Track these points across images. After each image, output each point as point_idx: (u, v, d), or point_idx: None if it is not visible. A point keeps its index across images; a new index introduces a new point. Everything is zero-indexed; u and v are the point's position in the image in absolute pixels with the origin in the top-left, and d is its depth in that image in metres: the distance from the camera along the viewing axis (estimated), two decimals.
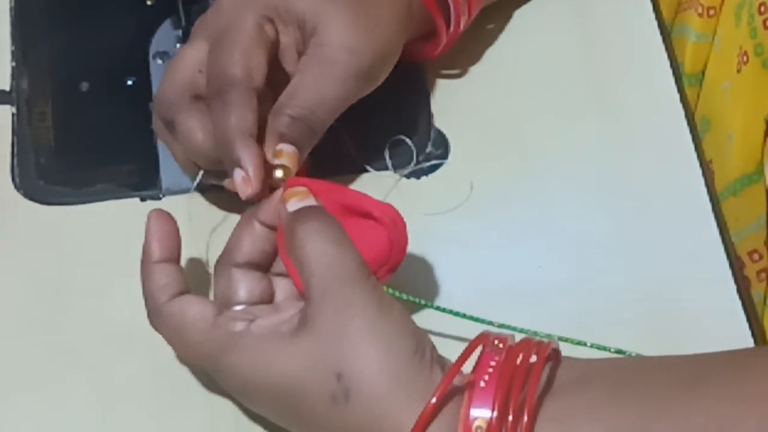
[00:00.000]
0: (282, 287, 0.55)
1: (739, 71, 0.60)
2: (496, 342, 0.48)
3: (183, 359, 0.54)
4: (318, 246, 0.50)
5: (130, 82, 0.66)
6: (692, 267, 0.60)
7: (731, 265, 0.60)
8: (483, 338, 0.48)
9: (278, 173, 0.55)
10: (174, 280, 0.53)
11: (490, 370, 0.46)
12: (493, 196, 0.62)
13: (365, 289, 0.50)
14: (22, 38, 0.67)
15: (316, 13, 0.57)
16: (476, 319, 0.53)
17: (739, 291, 0.59)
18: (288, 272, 0.53)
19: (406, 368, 0.48)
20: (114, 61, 0.66)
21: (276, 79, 0.58)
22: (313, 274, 0.50)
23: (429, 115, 0.64)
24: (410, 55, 0.62)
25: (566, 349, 0.53)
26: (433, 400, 0.46)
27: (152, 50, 0.66)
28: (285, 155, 0.55)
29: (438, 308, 0.54)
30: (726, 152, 0.61)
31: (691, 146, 0.63)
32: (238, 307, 0.53)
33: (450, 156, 0.63)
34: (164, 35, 0.66)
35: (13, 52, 0.67)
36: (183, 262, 0.59)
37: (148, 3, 0.68)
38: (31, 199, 0.62)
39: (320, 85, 0.56)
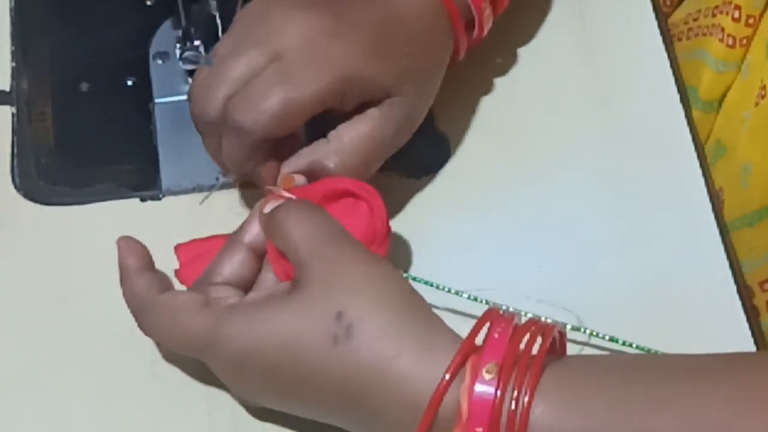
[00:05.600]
0: (265, 287, 0.55)
1: (757, 105, 0.60)
2: (505, 316, 0.48)
3: (177, 349, 0.53)
4: (296, 219, 0.52)
5: (130, 82, 0.66)
6: (693, 268, 0.60)
7: (731, 266, 0.60)
8: (494, 311, 0.49)
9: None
10: (157, 281, 0.54)
11: (500, 329, 0.47)
12: (493, 196, 0.62)
13: (353, 244, 0.51)
14: (22, 38, 0.67)
15: (392, 88, 0.56)
16: (490, 303, 0.54)
17: (739, 292, 0.59)
18: (275, 272, 0.54)
19: (405, 304, 0.49)
20: (114, 61, 0.66)
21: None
22: (298, 243, 0.51)
23: (429, 116, 0.64)
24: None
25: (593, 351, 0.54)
26: (447, 376, 0.46)
27: (152, 50, 0.66)
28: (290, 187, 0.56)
29: (455, 291, 0.55)
30: (740, 182, 0.61)
31: (692, 146, 0.63)
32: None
33: (450, 156, 0.63)
34: (164, 35, 0.66)
35: (13, 52, 0.67)
36: None
37: (148, 3, 0.68)
38: (31, 199, 0.62)
39: (372, 147, 0.57)
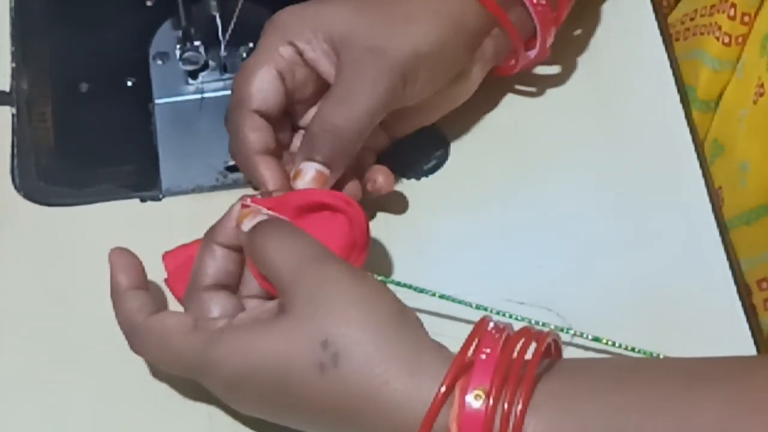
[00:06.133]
0: (252, 307, 0.55)
1: (755, 102, 0.60)
2: (494, 332, 0.48)
3: (168, 370, 0.54)
4: (276, 243, 0.52)
5: (130, 83, 0.66)
6: (693, 268, 0.60)
7: (731, 266, 0.60)
8: (484, 323, 0.48)
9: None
10: (147, 302, 0.54)
11: (488, 350, 0.47)
12: (493, 196, 0.62)
13: (334, 263, 0.51)
14: (22, 38, 0.67)
15: (341, 21, 0.57)
16: (478, 307, 0.54)
17: (739, 292, 0.59)
18: (261, 285, 0.54)
19: (391, 326, 0.48)
20: (114, 61, 0.66)
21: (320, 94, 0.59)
22: (281, 268, 0.51)
23: None
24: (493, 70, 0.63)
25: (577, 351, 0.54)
26: (443, 389, 0.46)
27: (152, 51, 0.66)
28: (304, 177, 0.56)
29: (440, 295, 0.55)
30: (738, 181, 0.61)
31: (692, 146, 0.63)
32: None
33: (450, 156, 0.63)
34: (164, 36, 0.66)
35: (13, 53, 0.67)
36: None
37: (148, 3, 0.68)
38: (31, 199, 0.62)
39: (347, 93, 0.56)
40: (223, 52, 0.64)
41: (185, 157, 0.63)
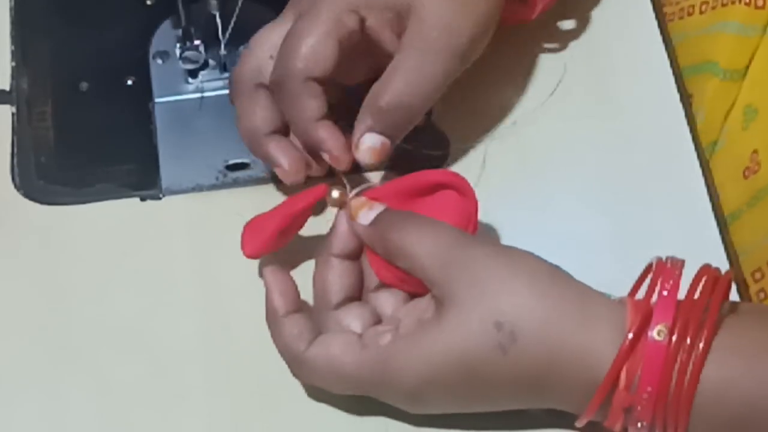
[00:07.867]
0: (384, 301, 0.55)
1: None
2: (670, 267, 0.50)
3: (339, 393, 0.53)
4: (416, 236, 0.52)
5: (130, 82, 0.66)
6: (692, 268, 0.59)
7: (731, 264, 0.60)
8: (660, 266, 0.50)
9: (334, 194, 0.56)
10: (306, 327, 0.53)
11: (669, 285, 0.49)
12: (492, 195, 0.62)
13: (477, 243, 0.51)
14: (22, 38, 0.67)
15: None
16: None
17: (738, 290, 0.59)
18: (394, 285, 0.54)
19: (549, 286, 0.50)
20: (114, 61, 0.66)
21: (377, 63, 0.58)
22: (426, 260, 0.51)
23: (429, 115, 0.64)
24: (504, 20, 0.61)
25: None
26: (630, 335, 0.47)
27: (152, 50, 0.66)
28: (365, 149, 0.56)
29: None
30: None
31: (692, 146, 0.63)
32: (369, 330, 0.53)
33: (450, 156, 0.63)
34: (164, 35, 0.66)
35: (13, 52, 0.67)
36: (184, 262, 0.59)
37: (148, 2, 0.68)
38: (31, 198, 0.62)
39: (417, 69, 0.56)
40: (223, 51, 0.64)
41: (185, 156, 0.63)
